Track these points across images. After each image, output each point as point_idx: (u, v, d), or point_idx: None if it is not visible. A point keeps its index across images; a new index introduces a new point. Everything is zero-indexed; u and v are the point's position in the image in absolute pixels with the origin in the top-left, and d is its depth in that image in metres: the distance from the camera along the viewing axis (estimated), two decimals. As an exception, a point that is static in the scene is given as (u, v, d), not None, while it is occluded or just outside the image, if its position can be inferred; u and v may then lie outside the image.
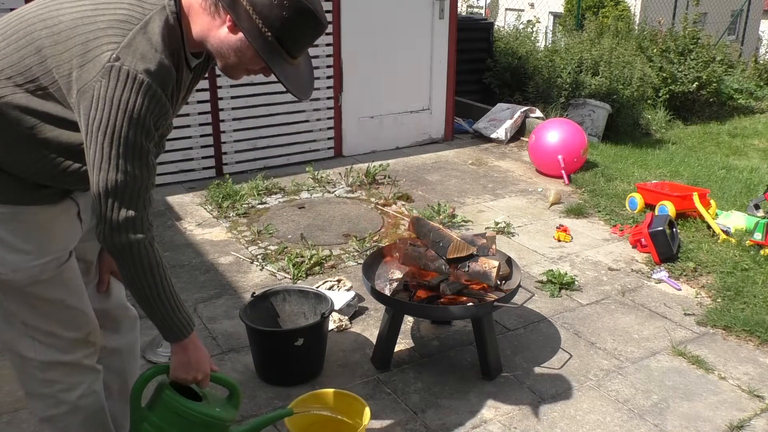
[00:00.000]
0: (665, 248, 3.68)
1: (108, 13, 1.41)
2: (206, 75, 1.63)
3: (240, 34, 1.44)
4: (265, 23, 1.42)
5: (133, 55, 1.37)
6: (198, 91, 4.81)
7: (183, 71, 1.54)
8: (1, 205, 1.51)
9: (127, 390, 1.97)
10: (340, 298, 3.07)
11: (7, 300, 1.58)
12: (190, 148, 4.86)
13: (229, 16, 1.42)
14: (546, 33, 12.29)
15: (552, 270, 3.50)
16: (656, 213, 4.08)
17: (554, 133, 5.10)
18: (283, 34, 1.44)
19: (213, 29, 1.47)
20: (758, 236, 3.76)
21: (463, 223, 4.21)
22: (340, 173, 5.05)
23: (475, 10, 17.24)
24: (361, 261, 3.28)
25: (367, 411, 2.09)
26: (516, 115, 6.18)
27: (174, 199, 4.51)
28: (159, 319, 1.55)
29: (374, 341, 2.83)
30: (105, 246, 1.47)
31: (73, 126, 1.44)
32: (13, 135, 1.45)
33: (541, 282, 3.47)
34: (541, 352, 2.88)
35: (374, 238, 3.88)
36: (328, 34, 5.25)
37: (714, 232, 4.00)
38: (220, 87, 4.90)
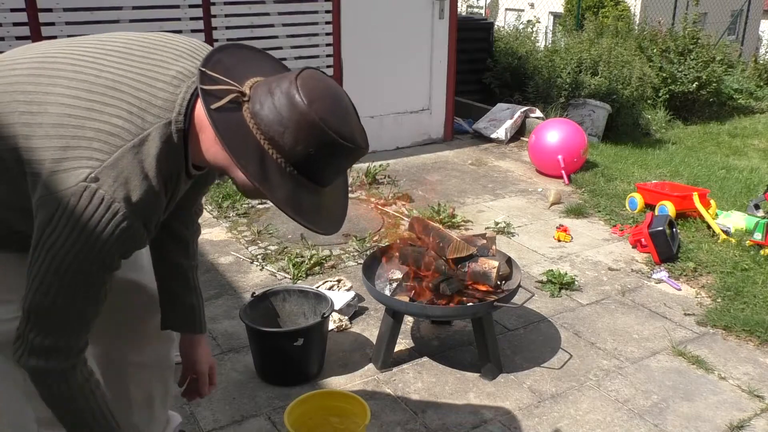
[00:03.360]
0: (665, 248, 3.68)
1: (101, 118, 1.19)
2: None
3: None
4: (288, 162, 1.23)
5: (115, 178, 1.16)
6: (198, 91, 4.82)
7: (181, 184, 1.34)
8: None
9: (151, 404, 1.87)
10: (340, 298, 3.07)
11: None
12: (190, 148, 4.86)
13: None
14: (546, 33, 12.29)
15: (552, 270, 3.50)
16: (656, 213, 4.08)
17: (554, 133, 5.10)
18: (309, 169, 1.24)
19: (231, 165, 1.24)
20: (758, 236, 3.76)
21: (463, 223, 4.21)
22: (340, 173, 5.05)
23: (475, 10, 17.24)
24: (361, 261, 3.28)
25: (367, 411, 2.09)
26: (516, 115, 6.18)
27: (174, 199, 4.51)
28: None
29: (374, 341, 2.83)
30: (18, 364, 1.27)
31: (23, 213, 1.24)
32: None
33: (541, 282, 3.47)
34: (541, 352, 2.88)
35: (374, 238, 3.88)
36: (328, 34, 5.26)
37: (714, 232, 4.00)
38: (220, 87, 4.90)
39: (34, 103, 1.21)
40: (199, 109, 1.24)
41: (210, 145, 1.25)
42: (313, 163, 1.23)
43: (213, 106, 1.19)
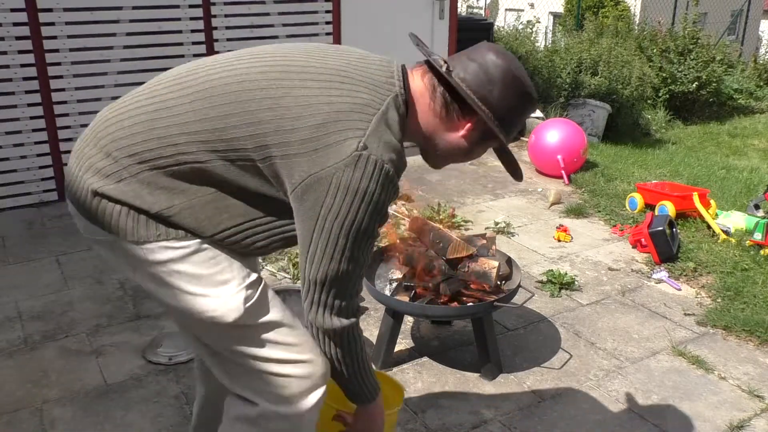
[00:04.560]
0: (665, 248, 3.68)
1: (347, 94, 1.32)
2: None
3: (466, 134, 1.46)
4: (496, 116, 1.43)
5: (378, 143, 1.31)
6: (198, 91, 4.82)
7: None
8: (185, 239, 1.37)
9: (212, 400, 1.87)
10: (340, 298, 3.06)
11: (226, 341, 1.46)
12: (190, 148, 4.85)
13: (469, 124, 1.44)
14: (546, 33, 12.30)
15: (552, 270, 3.50)
16: (656, 213, 4.08)
17: (554, 133, 5.10)
18: (507, 122, 1.46)
19: (440, 131, 1.47)
20: (758, 236, 3.76)
21: (463, 223, 4.21)
22: (340, 173, 5.05)
23: (475, 10, 17.24)
24: (361, 261, 3.28)
25: (401, 391, 2.00)
26: (516, 115, 6.17)
27: (174, 199, 4.50)
28: (352, 388, 1.55)
29: (374, 341, 2.83)
30: (314, 325, 1.44)
31: (261, 199, 1.38)
32: (197, 194, 1.36)
33: (541, 282, 3.47)
34: (541, 352, 2.88)
35: (374, 238, 3.88)
36: (328, 34, 5.26)
37: (714, 232, 4.00)
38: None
39: (270, 88, 1.32)
40: (415, 83, 1.45)
41: (425, 113, 1.45)
42: (511, 115, 1.45)
43: (443, 70, 1.40)
